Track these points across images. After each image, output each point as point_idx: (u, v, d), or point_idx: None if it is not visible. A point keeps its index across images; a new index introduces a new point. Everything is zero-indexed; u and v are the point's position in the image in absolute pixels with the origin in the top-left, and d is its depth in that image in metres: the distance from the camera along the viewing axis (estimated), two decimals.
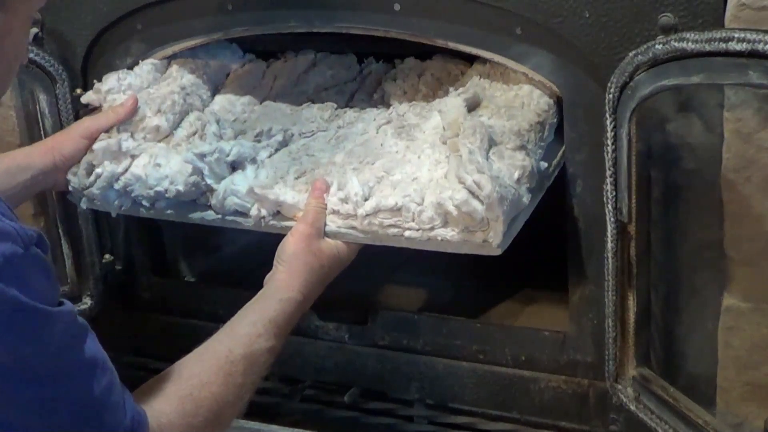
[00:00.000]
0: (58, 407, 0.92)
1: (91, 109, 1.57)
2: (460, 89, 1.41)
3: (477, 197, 1.20)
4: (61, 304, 0.94)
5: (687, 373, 1.37)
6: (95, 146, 1.44)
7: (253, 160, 1.41)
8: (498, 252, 1.23)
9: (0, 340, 0.87)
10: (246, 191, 1.36)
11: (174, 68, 1.61)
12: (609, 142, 1.25)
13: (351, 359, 1.59)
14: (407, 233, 1.26)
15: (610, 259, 1.31)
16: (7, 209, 0.91)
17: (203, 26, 1.54)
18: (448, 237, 1.24)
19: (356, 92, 1.63)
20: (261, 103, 1.62)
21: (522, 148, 1.30)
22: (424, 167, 1.31)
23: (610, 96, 1.23)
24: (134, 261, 1.74)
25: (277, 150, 1.46)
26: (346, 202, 1.29)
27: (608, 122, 1.25)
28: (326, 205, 1.30)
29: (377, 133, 1.46)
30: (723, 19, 1.17)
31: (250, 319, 1.20)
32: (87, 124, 1.48)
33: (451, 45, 1.39)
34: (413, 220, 1.25)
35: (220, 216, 1.40)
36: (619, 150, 1.25)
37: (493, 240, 1.22)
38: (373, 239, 1.30)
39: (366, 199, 1.28)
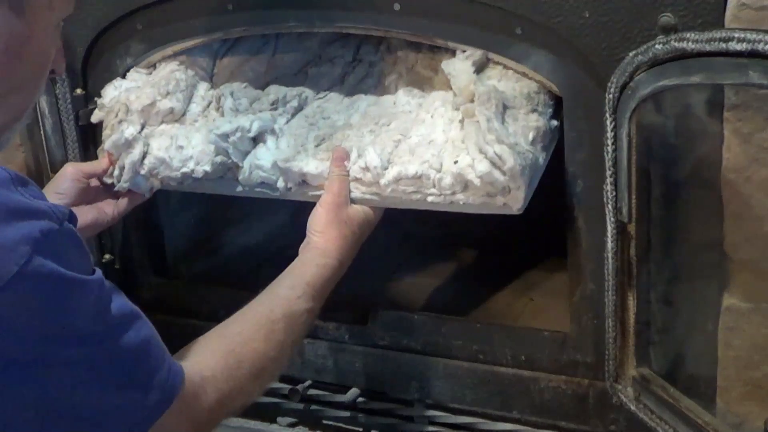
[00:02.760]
0: (94, 362, 0.95)
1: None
2: (468, 51, 1.40)
3: (499, 168, 1.24)
4: (93, 271, 0.97)
5: (687, 373, 1.37)
6: (106, 146, 1.45)
7: (272, 131, 1.43)
8: (518, 213, 1.28)
9: (43, 312, 0.90)
10: (270, 165, 1.39)
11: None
12: (609, 142, 1.25)
13: (351, 359, 1.59)
14: (429, 198, 1.31)
15: (610, 259, 1.31)
16: (37, 191, 0.94)
17: (203, 26, 1.54)
18: (470, 201, 1.29)
19: (361, 44, 1.63)
20: (268, 62, 1.61)
21: (534, 111, 1.34)
22: (438, 128, 1.36)
23: (610, 96, 1.23)
24: (134, 261, 1.73)
25: (293, 115, 1.49)
26: (368, 171, 1.33)
27: (608, 122, 1.25)
28: (348, 172, 1.34)
29: (388, 88, 1.50)
30: (723, 19, 1.17)
31: (288, 282, 1.24)
32: (74, 168, 1.46)
33: (451, 45, 1.39)
34: (434, 186, 1.30)
35: (248, 188, 1.43)
36: (619, 150, 1.25)
37: (514, 204, 1.27)
38: (397, 204, 1.34)
39: (386, 168, 1.32)
